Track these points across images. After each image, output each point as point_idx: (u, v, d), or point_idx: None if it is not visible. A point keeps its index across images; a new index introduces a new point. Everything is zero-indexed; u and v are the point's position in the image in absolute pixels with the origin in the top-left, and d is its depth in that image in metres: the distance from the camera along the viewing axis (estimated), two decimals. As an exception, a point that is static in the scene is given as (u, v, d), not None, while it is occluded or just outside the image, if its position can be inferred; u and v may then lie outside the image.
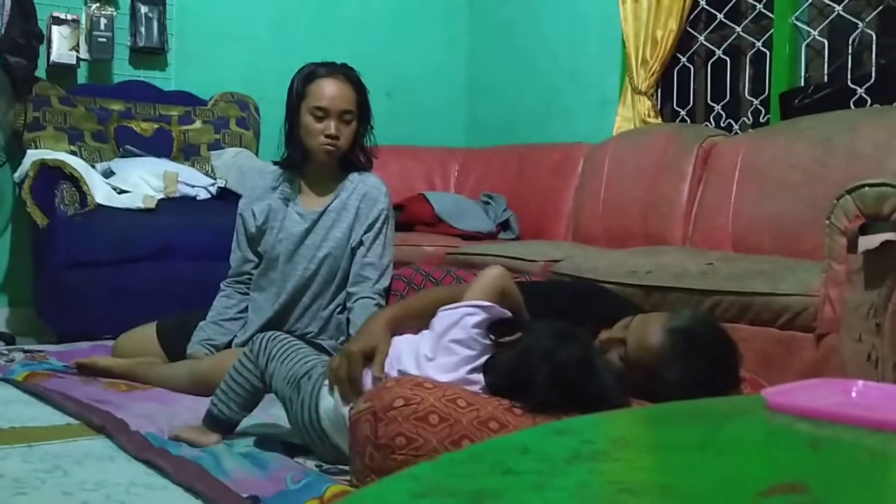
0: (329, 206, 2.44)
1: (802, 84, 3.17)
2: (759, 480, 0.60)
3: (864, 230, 1.87)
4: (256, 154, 3.87)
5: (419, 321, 1.94)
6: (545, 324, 1.64)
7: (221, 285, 2.53)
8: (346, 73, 2.42)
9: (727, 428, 0.78)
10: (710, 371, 1.65)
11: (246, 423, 1.94)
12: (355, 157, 2.51)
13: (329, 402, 1.71)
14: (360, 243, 2.42)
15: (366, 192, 2.46)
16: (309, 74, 2.41)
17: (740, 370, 1.73)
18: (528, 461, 0.66)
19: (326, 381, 1.73)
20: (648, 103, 3.59)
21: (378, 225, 2.43)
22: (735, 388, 1.72)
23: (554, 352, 1.54)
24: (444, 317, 1.68)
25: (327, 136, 2.38)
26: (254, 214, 2.49)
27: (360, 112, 2.45)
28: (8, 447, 1.82)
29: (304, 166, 2.47)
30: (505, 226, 3.73)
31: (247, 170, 3.54)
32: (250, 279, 2.52)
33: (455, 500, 0.56)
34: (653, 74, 3.56)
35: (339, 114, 2.38)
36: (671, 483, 0.63)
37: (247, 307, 2.50)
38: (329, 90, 2.38)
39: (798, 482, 0.59)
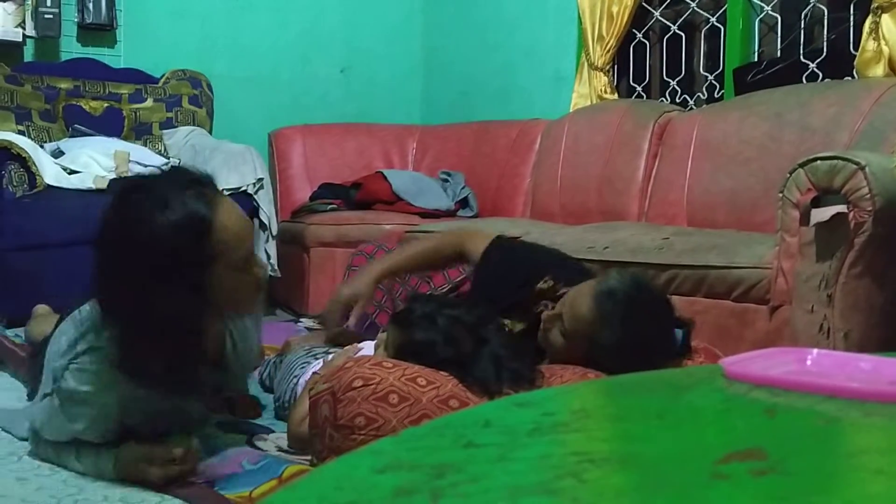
0: None
1: (756, 59, 3.20)
2: (717, 448, 0.61)
3: (816, 203, 1.90)
4: (210, 132, 3.81)
5: (407, 273, 2.07)
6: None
7: None
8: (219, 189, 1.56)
9: (685, 397, 0.78)
10: (642, 327, 1.67)
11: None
12: None
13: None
14: None
15: None
16: (194, 220, 1.43)
17: (673, 323, 1.76)
18: (490, 434, 0.65)
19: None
20: (605, 79, 3.60)
21: None
22: (668, 342, 1.74)
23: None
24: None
25: (259, 286, 1.60)
26: None
27: None
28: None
29: None
30: (463, 203, 3.73)
31: (200, 148, 3.48)
32: None
33: (417, 473, 0.56)
34: (609, 50, 3.57)
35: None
36: (631, 452, 0.63)
37: None
38: (236, 223, 1.51)
39: (755, 448, 0.59)
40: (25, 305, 2.73)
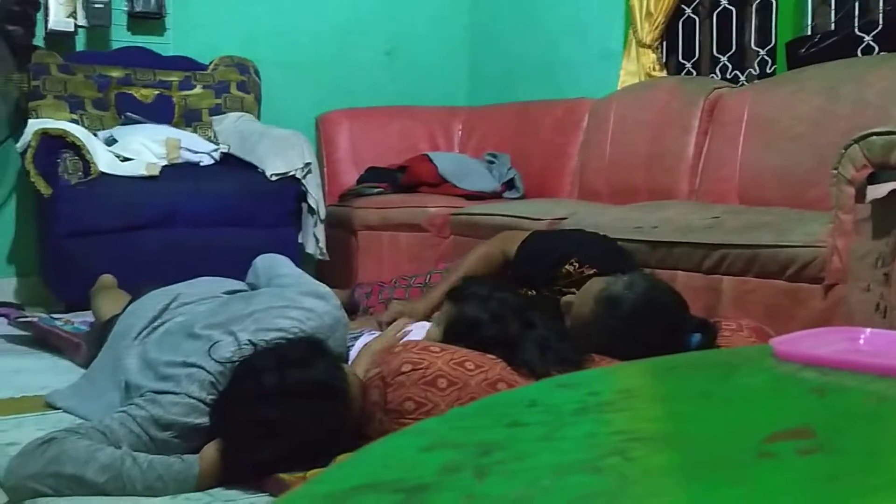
0: None
1: (809, 33, 3.12)
2: (764, 427, 0.60)
3: (872, 179, 1.86)
4: (258, 118, 3.85)
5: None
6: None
7: None
8: None
9: (733, 377, 0.77)
10: (640, 336, 1.67)
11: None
12: None
13: None
14: None
15: None
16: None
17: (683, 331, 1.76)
18: (536, 413, 0.66)
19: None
20: (653, 56, 3.54)
21: None
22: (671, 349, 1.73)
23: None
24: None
25: None
26: None
27: None
28: (21, 416, 1.84)
29: None
30: (510, 185, 3.71)
31: (248, 134, 3.52)
32: None
33: (462, 451, 0.56)
34: (657, 27, 3.51)
35: None
36: (677, 431, 0.63)
37: None
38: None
39: (803, 427, 0.59)
40: (80, 290, 2.80)
